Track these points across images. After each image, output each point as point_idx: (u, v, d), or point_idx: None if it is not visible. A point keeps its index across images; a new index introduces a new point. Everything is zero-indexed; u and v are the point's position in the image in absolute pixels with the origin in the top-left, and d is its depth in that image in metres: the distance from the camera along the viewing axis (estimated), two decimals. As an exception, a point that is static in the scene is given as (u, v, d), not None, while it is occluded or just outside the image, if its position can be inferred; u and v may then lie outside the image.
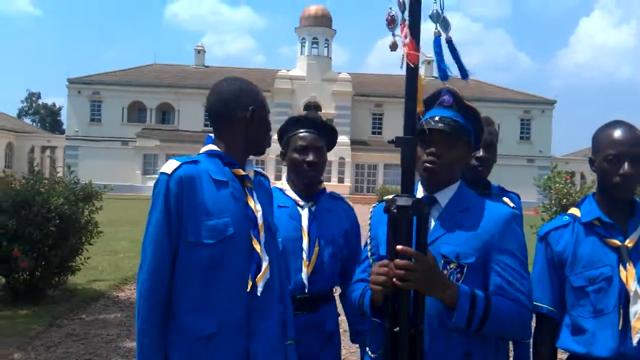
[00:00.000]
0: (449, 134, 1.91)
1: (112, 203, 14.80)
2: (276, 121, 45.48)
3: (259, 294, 1.95)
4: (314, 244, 2.51)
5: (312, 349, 2.45)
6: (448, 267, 1.85)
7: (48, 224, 7.06)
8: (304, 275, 2.47)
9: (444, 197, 1.95)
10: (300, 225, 2.53)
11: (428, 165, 1.91)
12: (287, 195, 2.61)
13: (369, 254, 2.05)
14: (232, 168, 2.03)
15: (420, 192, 1.98)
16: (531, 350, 2.17)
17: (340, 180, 43.82)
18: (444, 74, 1.78)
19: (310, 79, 45.83)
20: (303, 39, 46.88)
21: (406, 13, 1.71)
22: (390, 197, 1.76)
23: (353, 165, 45.81)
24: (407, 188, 1.72)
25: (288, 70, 47.30)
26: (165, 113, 50.38)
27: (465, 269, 1.85)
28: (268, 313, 2.00)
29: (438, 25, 1.75)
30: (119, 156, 46.22)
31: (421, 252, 1.68)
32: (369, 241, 2.07)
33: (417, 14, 1.72)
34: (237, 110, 2.04)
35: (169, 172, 1.94)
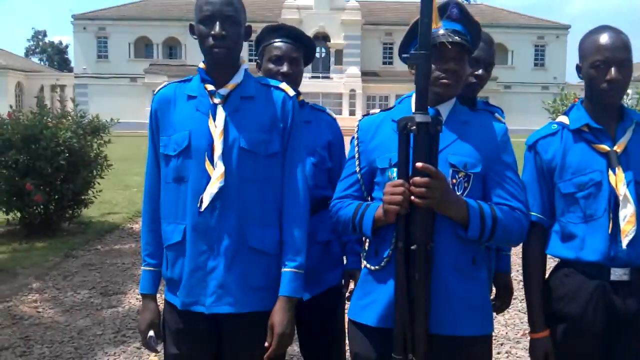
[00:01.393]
0: (463, 49, 1.91)
1: (123, 139, 14.91)
2: None
3: (201, 210, 1.97)
4: None
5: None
6: (457, 176, 1.88)
7: (58, 158, 7.17)
8: None
9: (445, 109, 1.95)
10: None
11: (445, 81, 1.90)
12: None
13: (357, 169, 2.04)
14: (206, 83, 2.04)
15: (413, 106, 1.97)
16: (521, 257, 2.21)
17: (352, 113, 43.43)
18: None
19: (318, 8, 44.79)
20: (311, -34, 45.57)
21: None
22: (406, 116, 1.77)
23: (364, 97, 45.28)
24: (423, 105, 1.74)
25: (295, 0, 46.20)
26: (172, 48, 49.81)
27: (471, 178, 1.89)
28: (224, 230, 1.99)
29: None
30: (128, 93, 46.04)
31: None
32: (357, 155, 2.04)
33: None
34: (191, 26, 2.07)
35: (155, 92, 2.13)
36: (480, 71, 2.54)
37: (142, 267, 2.16)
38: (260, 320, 2.02)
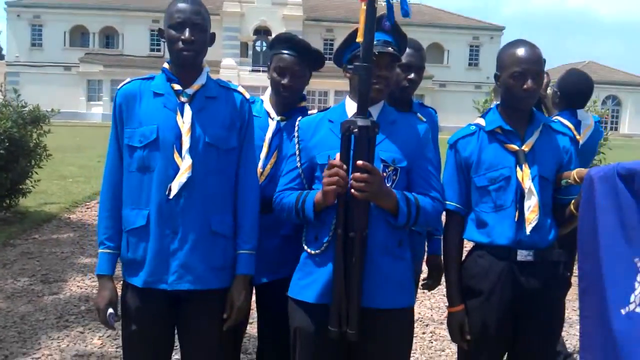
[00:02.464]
0: (393, 58, 2.20)
1: (58, 129, 14.57)
2: (225, 46, 44.03)
3: (170, 197, 2.18)
4: (271, 155, 2.64)
5: (270, 249, 2.58)
6: (387, 170, 2.16)
7: (-2, 147, 7.08)
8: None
9: (375, 111, 2.23)
10: (264, 136, 2.65)
11: (378, 86, 2.17)
12: (264, 107, 2.74)
13: (299, 164, 2.27)
14: (173, 83, 2.24)
15: (351, 106, 2.23)
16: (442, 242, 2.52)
17: (291, 107, 43.52)
18: (405, 13, 2.07)
19: (260, 2, 44.66)
20: (252, -41, 45.33)
21: None
22: (348, 119, 2.04)
23: (304, 91, 45.44)
24: (364, 110, 2.03)
25: (237, -7, 45.91)
26: (109, 37, 48.55)
27: (399, 171, 2.19)
28: (189, 215, 2.21)
29: None
30: (62, 82, 44.62)
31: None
32: (298, 152, 2.28)
33: None
34: (160, 30, 2.28)
35: (119, 87, 2.29)
36: (412, 75, 2.80)
37: (100, 250, 2.31)
38: (218, 297, 2.28)
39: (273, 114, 2.69)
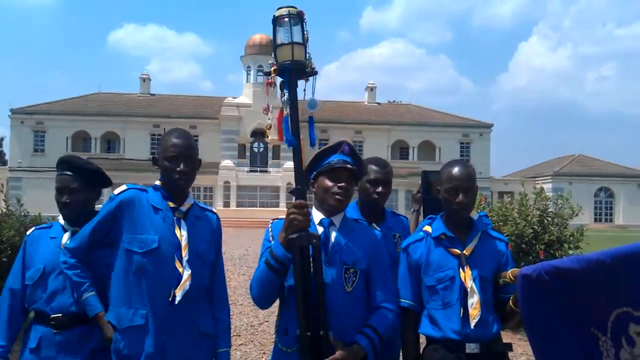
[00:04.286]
0: (352, 173, 2.61)
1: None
2: (223, 147, 44.56)
3: (176, 302, 2.52)
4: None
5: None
6: (348, 272, 2.52)
7: (1, 255, 7.39)
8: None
9: (337, 219, 2.63)
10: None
11: (339, 197, 2.57)
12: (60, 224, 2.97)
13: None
14: (167, 200, 2.64)
15: (316, 215, 2.61)
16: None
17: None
18: (312, 142, 2.56)
19: (256, 106, 46.23)
20: (248, 67, 47.31)
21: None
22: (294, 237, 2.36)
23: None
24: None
25: (234, 98, 47.66)
26: (111, 142, 49.89)
27: (358, 273, 2.54)
28: (184, 318, 2.55)
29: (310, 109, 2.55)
30: (64, 186, 45.19)
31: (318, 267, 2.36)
32: (270, 248, 2.52)
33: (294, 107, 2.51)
34: (154, 159, 2.70)
35: (117, 193, 2.66)
36: (380, 189, 3.19)
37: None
38: None
39: (67, 227, 2.95)
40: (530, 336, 2.34)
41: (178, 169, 2.60)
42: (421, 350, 2.77)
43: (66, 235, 2.88)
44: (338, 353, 2.33)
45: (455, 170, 2.71)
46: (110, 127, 48.70)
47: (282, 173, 44.70)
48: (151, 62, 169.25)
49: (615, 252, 2.05)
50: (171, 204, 2.64)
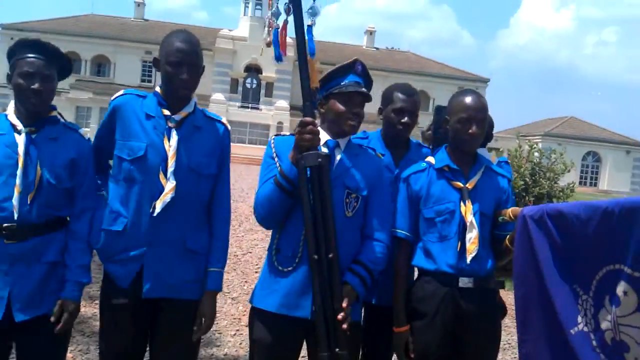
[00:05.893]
0: (365, 97, 2.49)
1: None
2: (215, 81, 44.01)
3: (154, 214, 2.40)
4: (33, 174, 2.37)
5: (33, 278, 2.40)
6: (350, 196, 2.45)
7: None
8: (15, 202, 2.32)
9: (343, 142, 2.53)
10: (13, 152, 2.36)
11: (354, 123, 2.47)
12: (8, 120, 2.42)
13: (280, 169, 2.40)
14: (162, 108, 2.48)
15: (323, 136, 2.46)
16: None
17: (277, 144, 43.91)
18: (312, 52, 2.42)
19: (252, 41, 45.39)
20: (247, -1, 46.33)
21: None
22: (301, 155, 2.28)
23: (292, 130, 45.82)
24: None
25: (230, 30, 46.69)
26: (101, 65, 48.99)
27: (360, 199, 2.46)
28: (167, 232, 2.43)
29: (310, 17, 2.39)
30: (51, 107, 44.72)
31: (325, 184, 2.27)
32: (276, 160, 2.46)
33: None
34: (156, 60, 2.49)
35: (112, 98, 2.54)
36: (405, 119, 2.96)
37: None
38: (189, 306, 2.50)
39: (20, 126, 2.40)
40: (515, 278, 2.32)
41: (181, 77, 2.42)
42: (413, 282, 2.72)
43: (21, 138, 2.37)
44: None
45: (469, 99, 2.59)
46: (102, 49, 47.71)
47: (274, 111, 44.33)
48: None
49: (625, 202, 2.00)
50: (166, 112, 2.48)
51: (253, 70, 45.65)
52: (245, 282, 6.69)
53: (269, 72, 45.72)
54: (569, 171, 8.13)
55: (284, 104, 45.12)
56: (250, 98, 46.05)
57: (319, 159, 2.26)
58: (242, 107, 44.75)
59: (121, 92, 2.56)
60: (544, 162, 8.26)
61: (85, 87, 45.26)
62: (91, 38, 47.41)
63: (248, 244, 8.87)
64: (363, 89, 2.47)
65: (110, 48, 47.52)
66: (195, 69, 2.46)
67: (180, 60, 2.41)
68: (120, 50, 47.53)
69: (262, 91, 46.50)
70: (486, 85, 51.74)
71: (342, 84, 2.46)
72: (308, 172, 2.28)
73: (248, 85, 46.82)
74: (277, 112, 44.34)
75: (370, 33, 54.67)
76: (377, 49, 54.59)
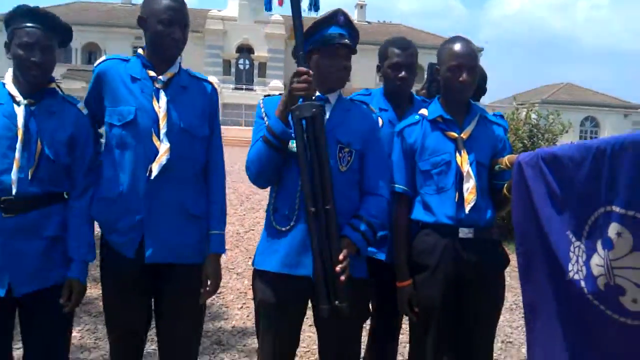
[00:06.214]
0: (350, 49, 2.43)
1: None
2: (207, 63, 43.63)
3: (152, 178, 2.36)
4: (34, 147, 2.33)
5: (30, 253, 2.35)
6: (343, 150, 2.40)
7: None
8: (14, 176, 2.27)
9: (333, 97, 2.48)
10: (12, 124, 2.31)
11: (343, 77, 2.43)
12: (6, 90, 2.37)
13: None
14: (148, 69, 2.44)
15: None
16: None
17: (273, 124, 43.74)
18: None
19: (242, 20, 44.99)
20: (236, -22, 45.73)
21: None
22: (296, 106, 2.23)
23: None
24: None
25: (219, 10, 46.16)
26: (92, 53, 48.53)
27: (353, 153, 2.42)
28: (165, 196, 2.40)
29: None
30: (44, 98, 44.46)
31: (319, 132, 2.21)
32: (266, 121, 2.41)
33: None
34: (141, 19, 2.44)
35: (96, 64, 2.50)
36: (402, 74, 2.88)
37: None
38: (193, 271, 2.48)
39: (19, 97, 2.34)
40: (515, 226, 2.29)
41: (173, 36, 2.38)
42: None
43: (21, 110, 2.31)
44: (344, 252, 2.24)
45: (458, 47, 2.55)
46: (91, 37, 47.20)
47: (268, 91, 43.83)
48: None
49: (617, 139, 1.96)
50: (151, 73, 2.43)
51: (245, 50, 45.26)
52: (249, 258, 6.69)
53: (261, 51, 45.34)
54: (567, 132, 8.09)
55: (278, 83, 44.76)
56: (244, 79, 45.73)
57: (314, 109, 2.22)
58: (236, 89, 44.40)
59: (103, 57, 2.53)
60: (542, 124, 8.22)
61: (78, 77, 44.81)
62: (79, 26, 46.91)
63: (250, 222, 8.87)
64: (346, 40, 2.40)
65: (100, 35, 47.08)
66: (186, 28, 2.43)
67: (172, 19, 2.37)
68: (110, 36, 47.07)
69: (255, 72, 46.16)
70: (480, 55, 51.20)
71: (324, 35, 2.40)
72: (304, 124, 2.24)
73: (241, 67, 46.43)
74: (271, 93, 43.86)
75: (361, 7, 54.11)
76: (368, 22, 54.03)
